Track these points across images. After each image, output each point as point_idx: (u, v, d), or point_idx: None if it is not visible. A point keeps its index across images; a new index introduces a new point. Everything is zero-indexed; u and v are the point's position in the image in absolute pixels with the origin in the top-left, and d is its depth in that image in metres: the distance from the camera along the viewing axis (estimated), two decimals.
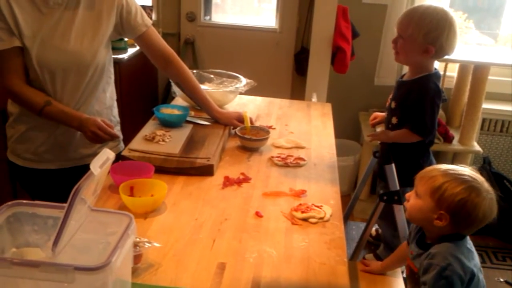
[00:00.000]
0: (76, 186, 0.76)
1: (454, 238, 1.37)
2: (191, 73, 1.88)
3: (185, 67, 1.85)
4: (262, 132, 1.82)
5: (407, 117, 1.81)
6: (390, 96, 1.96)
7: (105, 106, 1.73)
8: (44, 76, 1.57)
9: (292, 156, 1.71)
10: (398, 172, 1.84)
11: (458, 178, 1.34)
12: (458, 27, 1.80)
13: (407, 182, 1.88)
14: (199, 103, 1.91)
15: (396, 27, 1.85)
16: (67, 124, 1.59)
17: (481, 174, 3.01)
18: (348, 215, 2.32)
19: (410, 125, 1.79)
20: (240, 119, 1.88)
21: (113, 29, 1.66)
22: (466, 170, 1.38)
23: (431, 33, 1.73)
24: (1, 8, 1.49)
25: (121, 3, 1.65)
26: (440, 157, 3.32)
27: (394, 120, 1.86)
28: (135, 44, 1.81)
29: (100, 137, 1.55)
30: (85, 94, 1.64)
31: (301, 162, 1.67)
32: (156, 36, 1.79)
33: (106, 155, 0.81)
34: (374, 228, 2.16)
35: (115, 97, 1.81)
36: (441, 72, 2.66)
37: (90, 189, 0.81)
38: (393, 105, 1.90)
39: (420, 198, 1.39)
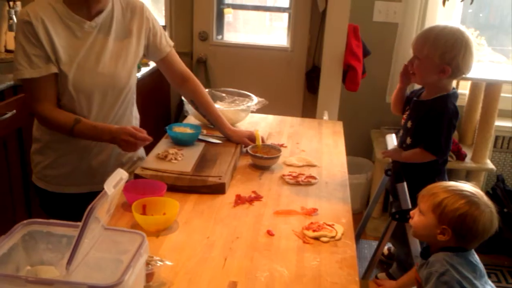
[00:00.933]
0: (90, 206, 0.77)
1: (457, 251, 1.40)
2: (205, 91, 1.91)
3: (200, 84, 1.90)
4: (274, 151, 1.83)
5: (422, 137, 1.81)
6: (405, 115, 1.96)
7: (131, 125, 1.76)
8: (80, 100, 1.59)
9: (303, 174, 1.71)
10: (411, 191, 1.83)
11: (458, 194, 1.40)
12: (474, 46, 1.80)
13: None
14: (212, 120, 1.92)
15: (412, 48, 1.85)
16: (98, 138, 1.60)
17: (495, 192, 3.00)
18: (360, 234, 2.31)
19: (424, 144, 1.78)
20: (252, 138, 1.89)
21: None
22: (466, 186, 1.44)
23: (447, 54, 1.73)
24: (39, 35, 1.50)
25: (149, 26, 1.72)
26: (453, 175, 3.29)
27: (408, 140, 1.86)
28: (148, 63, 1.86)
29: (133, 144, 1.55)
30: (117, 115, 1.69)
31: (312, 181, 1.67)
32: (176, 56, 1.84)
33: (120, 175, 0.82)
34: (386, 247, 2.15)
35: (138, 116, 1.86)
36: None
37: (104, 208, 0.83)
38: (409, 124, 1.90)
39: (424, 215, 1.45)
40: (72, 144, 1.63)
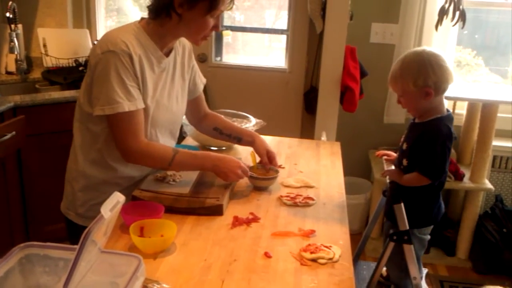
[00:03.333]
0: (86, 230, 0.78)
1: None
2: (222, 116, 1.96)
3: (216, 113, 1.95)
4: (271, 171, 1.83)
5: (418, 160, 1.81)
6: (403, 137, 1.97)
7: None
8: (151, 135, 1.63)
9: (301, 195, 1.71)
10: (407, 213, 1.84)
11: None
12: (443, 61, 1.81)
13: (416, 223, 1.88)
14: (237, 134, 1.90)
15: (391, 89, 1.91)
16: (198, 167, 1.65)
17: (494, 212, 3.00)
18: (359, 255, 2.31)
19: (420, 168, 1.79)
20: (270, 156, 1.84)
21: None
22: None
23: (418, 79, 1.76)
24: (135, 66, 1.49)
25: (192, 63, 1.79)
26: (452, 195, 3.30)
27: (405, 162, 1.87)
28: None
29: (238, 177, 1.64)
30: None
31: (310, 202, 1.68)
32: (203, 97, 1.91)
33: (117, 198, 0.83)
34: (384, 268, 2.14)
35: None
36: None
37: (100, 231, 0.83)
38: (404, 146, 1.91)
39: None
40: (120, 185, 1.64)
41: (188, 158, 1.60)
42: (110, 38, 1.49)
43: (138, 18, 1.61)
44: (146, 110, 1.56)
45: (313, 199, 1.69)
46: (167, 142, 1.72)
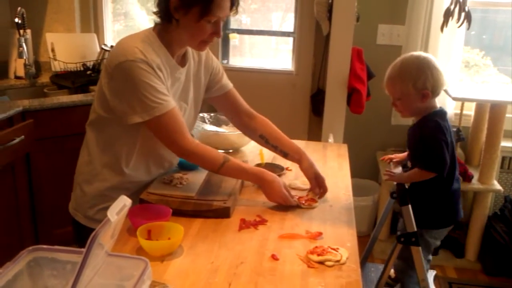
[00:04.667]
0: (93, 233, 0.78)
1: None
2: (272, 123, 1.90)
3: (265, 118, 1.90)
4: (277, 170, 1.84)
5: (415, 157, 1.83)
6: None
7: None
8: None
9: (303, 197, 1.71)
10: (419, 213, 1.84)
11: None
12: (438, 65, 1.85)
13: (424, 223, 1.88)
14: (286, 150, 1.83)
15: (387, 92, 1.91)
16: (244, 179, 1.68)
17: (503, 213, 2.98)
18: (367, 257, 2.30)
19: (419, 164, 1.80)
20: (320, 181, 1.75)
21: None
22: None
23: (418, 81, 1.79)
24: (157, 73, 1.50)
25: (212, 65, 1.78)
26: (460, 197, 3.28)
27: (409, 164, 1.89)
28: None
29: (282, 199, 1.61)
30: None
31: (314, 204, 1.67)
32: (238, 94, 1.88)
33: (123, 202, 0.84)
34: (392, 270, 2.13)
35: None
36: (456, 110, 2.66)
37: (107, 235, 0.84)
38: (407, 151, 1.93)
39: None
40: (129, 190, 1.62)
41: (235, 169, 1.61)
42: (126, 47, 1.48)
43: (152, 24, 1.61)
44: None
45: (316, 201, 1.68)
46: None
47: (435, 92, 1.82)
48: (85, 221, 1.69)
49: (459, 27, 2.91)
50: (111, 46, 3.25)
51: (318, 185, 1.73)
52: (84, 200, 1.68)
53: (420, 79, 1.79)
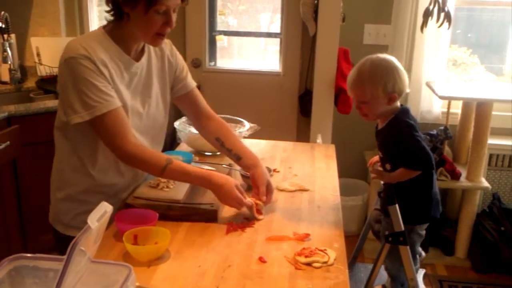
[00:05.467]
0: (73, 240, 0.77)
1: None
2: (230, 128, 1.87)
3: (224, 121, 1.86)
4: None
5: (399, 160, 1.81)
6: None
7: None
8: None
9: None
10: (407, 210, 1.84)
11: None
12: (402, 68, 1.81)
13: (416, 219, 1.88)
14: (239, 154, 1.75)
15: (351, 95, 1.87)
16: (192, 183, 1.60)
17: (492, 210, 2.99)
18: (356, 256, 2.30)
19: (405, 165, 1.79)
20: (270, 189, 1.68)
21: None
22: None
23: (388, 84, 1.75)
24: (102, 70, 1.45)
25: (176, 61, 1.73)
26: (449, 195, 3.30)
27: (388, 166, 1.87)
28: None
29: (241, 203, 1.54)
30: None
31: (259, 217, 1.59)
32: (200, 94, 1.83)
33: (104, 208, 0.83)
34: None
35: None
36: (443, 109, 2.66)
37: (89, 241, 0.83)
38: (380, 154, 1.92)
39: None
40: (105, 193, 1.59)
41: (180, 173, 1.54)
42: (70, 45, 1.46)
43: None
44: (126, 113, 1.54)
45: (261, 214, 1.60)
46: (148, 146, 1.66)
47: (401, 95, 1.80)
48: (63, 229, 1.66)
49: (439, 27, 2.92)
50: None
51: (266, 193, 1.64)
52: (59, 207, 1.66)
53: (390, 82, 1.76)
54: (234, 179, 1.59)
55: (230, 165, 1.91)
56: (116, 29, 1.52)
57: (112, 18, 1.52)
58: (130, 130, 1.51)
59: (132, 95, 1.58)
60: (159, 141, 1.76)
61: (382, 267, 2.03)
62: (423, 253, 2.14)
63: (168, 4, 1.45)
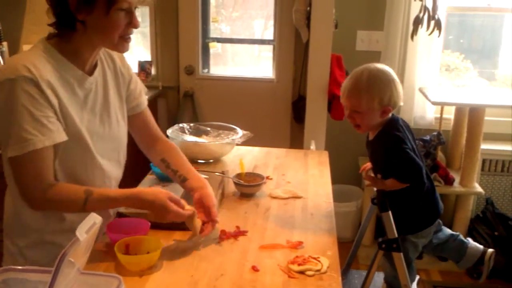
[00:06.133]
0: (62, 252, 0.76)
1: None
2: (180, 151, 1.68)
3: (174, 144, 1.70)
4: (258, 178, 1.84)
5: (389, 171, 1.80)
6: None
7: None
8: (93, 167, 1.41)
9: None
10: (399, 219, 1.83)
11: None
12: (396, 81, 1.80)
13: (409, 229, 1.87)
14: (184, 174, 1.59)
15: (345, 104, 1.83)
16: (118, 206, 1.45)
17: (485, 215, 2.99)
18: (350, 263, 2.29)
19: (396, 175, 1.77)
20: (213, 214, 1.51)
21: None
22: None
23: (384, 97, 1.74)
24: (46, 93, 1.24)
25: (130, 74, 1.56)
26: (442, 200, 3.28)
27: (379, 176, 1.87)
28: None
29: (181, 215, 1.39)
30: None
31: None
32: (150, 114, 1.66)
33: (93, 219, 0.82)
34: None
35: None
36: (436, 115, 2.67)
37: (78, 253, 0.82)
38: (371, 164, 1.93)
39: None
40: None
41: (106, 202, 1.35)
42: (9, 64, 1.26)
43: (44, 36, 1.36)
44: (80, 140, 1.35)
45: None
46: (113, 172, 1.51)
47: (394, 108, 1.78)
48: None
49: (429, 35, 2.93)
50: None
51: (207, 214, 1.50)
52: (28, 256, 1.41)
53: (386, 95, 1.73)
54: (165, 190, 1.40)
55: (223, 172, 1.90)
56: (65, 42, 1.32)
57: (57, 30, 1.32)
58: (51, 170, 1.29)
59: (90, 116, 1.39)
60: (122, 162, 1.57)
61: (376, 273, 2.03)
62: (480, 247, 2.10)
63: (131, 0, 1.29)
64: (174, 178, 1.61)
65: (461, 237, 2.04)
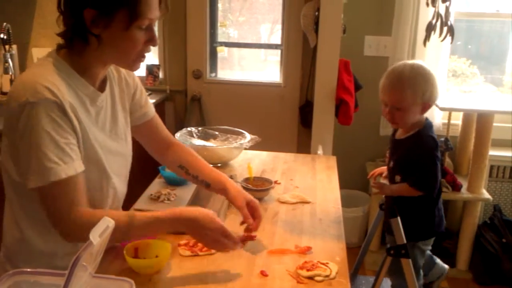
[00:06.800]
0: (75, 256, 0.77)
1: None
2: (193, 152, 1.64)
3: (185, 146, 1.65)
4: (266, 183, 1.84)
5: (409, 173, 1.80)
6: (387, 154, 1.96)
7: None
8: (108, 191, 1.34)
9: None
10: (408, 225, 1.82)
11: None
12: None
13: (420, 235, 1.87)
14: (209, 179, 1.55)
15: (387, 100, 1.80)
16: (169, 230, 1.38)
17: (493, 222, 2.99)
18: (357, 269, 2.29)
19: (411, 182, 1.77)
20: (253, 206, 1.49)
21: None
22: None
23: (426, 92, 1.74)
24: (69, 117, 1.16)
25: (136, 83, 1.49)
26: (450, 206, 3.29)
27: (397, 178, 1.86)
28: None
29: (225, 247, 1.33)
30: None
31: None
32: (160, 120, 1.60)
33: (106, 223, 0.82)
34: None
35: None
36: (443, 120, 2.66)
37: (91, 256, 0.82)
38: (391, 164, 1.90)
39: None
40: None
41: (147, 224, 1.25)
42: (27, 84, 1.13)
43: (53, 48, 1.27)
44: (98, 161, 1.28)
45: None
46: (122, 188, 1.44)
47: (432, 105, 1.78)
48: None
49: (441, 41, 2.93)
50: None
51: (251, 214, 1.47)
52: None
53: (428, 90, 1.73)
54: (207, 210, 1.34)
55: (231, 177, 1.90)
56: (77, 55, 1.23)
57: (67, 42, 1.22)
58: (85, 198, 1.20)
59: (102, 134, 1.32)
60: (127, 179, 1.49)
61: (384, 280, 2.02)
62: (446, 267, 2.11)
63: (151, 16, 1.20)
64: (197, 183, 1.57)
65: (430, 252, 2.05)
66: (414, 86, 1.73)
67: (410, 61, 1.83)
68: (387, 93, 1.79)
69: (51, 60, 1.21)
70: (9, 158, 1.21)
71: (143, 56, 1.26)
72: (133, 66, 1.28)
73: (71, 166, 1.14)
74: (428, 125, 1.81)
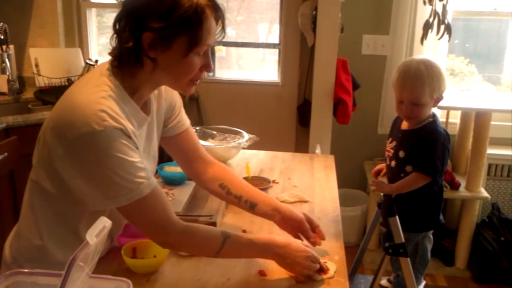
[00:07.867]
0: (72, 256, 0.76)
1: None
2: (232, 171, 1.58)
3: (224, 165, 1.58)
4: (264, 182, 1.84)
5: (421, 161, 1.83)
6: (391, 146, 1.97)
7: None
8: None
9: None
10: (416, 218, 1.85)
11: None
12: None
13: (429, 225, 1.89)
14: (253, 199, 1.47)
15: (404, 97, 1.84)
16: (256, 256, 1.35)
17: (491, 220, 3.00)
18: (356, 268, 2.29)
19: (421, 168, 1.80)
20: (303, 228, 1.44)
21: None
22: None
23: (442, 86, 1.82)
24: (133, 140, 1.15)
25: (173, 98, 1.45)
26: (448, 205, 3.30)
27: (408, 168, 1.88)
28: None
29: (307, 269, 1.30)
30: None
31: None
32: (195, 134, 1.55)
33: (103, 223, 0.82)
34: (386, 279, 2.13)
35: None
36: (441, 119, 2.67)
37: (88, 256, 0.82)
38: (401, 154, 1.91)
39: None
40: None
41: (244, 246, 1.28)
42: (86, 110, 1.09)
43: (104, 62, 1.23)
44: None
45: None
46: None
47: (443, 97, 1.86)
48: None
49: (439, 39, 2.93)
50: (96, 61, 3.23)
51: (312, 227, 1.44)
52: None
53: (442, 85, 1.84)
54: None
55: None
56: (129, 75, 1.19)
57: (116, 62, 1.18)
58: (173, 211, 1.24)
59: (143, 152, 1.31)
60: None
61: (382, 278, 2.03)
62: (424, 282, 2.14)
63: (211, 42, 1.18)
64: (239, 204, 1.49)
65: None
66: (432, 83, 1.81)
67: (420, 57, 1.90)
68: (405, 91, 1.85)
69: (105, 80, 1.16)
70: (43, 173, 1.21)
71: (197, 81, 1.24)
72: (185, 90, 1.25)
73: (151, 181, 1.16)
74: (436, 116, 1.88)
